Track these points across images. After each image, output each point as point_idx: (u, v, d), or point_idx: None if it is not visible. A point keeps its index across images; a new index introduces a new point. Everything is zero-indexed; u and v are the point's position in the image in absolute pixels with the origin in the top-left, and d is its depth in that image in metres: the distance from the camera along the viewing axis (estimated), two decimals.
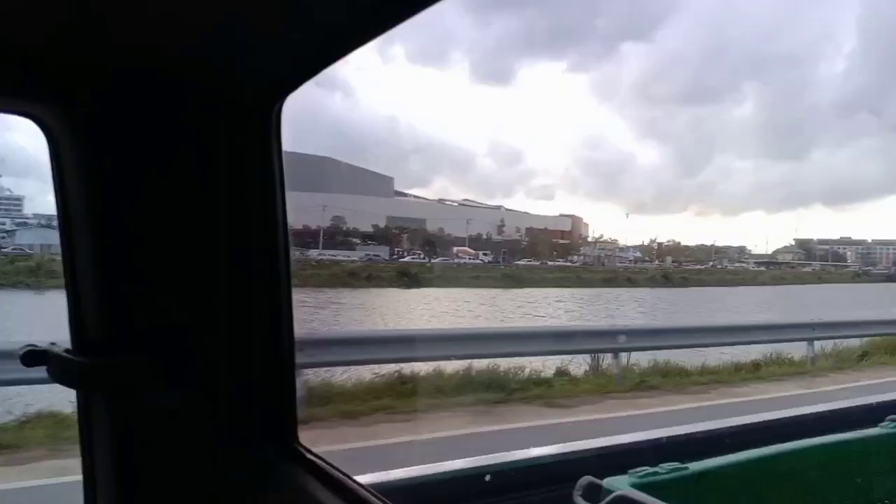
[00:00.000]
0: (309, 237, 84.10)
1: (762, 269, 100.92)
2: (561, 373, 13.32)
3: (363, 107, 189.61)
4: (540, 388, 11.64)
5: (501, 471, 1.65)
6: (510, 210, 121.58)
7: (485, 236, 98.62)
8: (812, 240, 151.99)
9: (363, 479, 1.26)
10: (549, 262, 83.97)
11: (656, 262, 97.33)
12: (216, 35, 0.88)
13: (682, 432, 1.97)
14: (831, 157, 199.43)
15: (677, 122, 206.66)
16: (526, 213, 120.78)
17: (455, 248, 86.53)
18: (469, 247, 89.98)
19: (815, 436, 1.80)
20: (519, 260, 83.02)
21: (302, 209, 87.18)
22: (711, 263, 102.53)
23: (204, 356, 1.02)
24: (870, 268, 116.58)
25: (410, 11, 0.82)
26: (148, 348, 1.01)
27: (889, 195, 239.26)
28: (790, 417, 2.26)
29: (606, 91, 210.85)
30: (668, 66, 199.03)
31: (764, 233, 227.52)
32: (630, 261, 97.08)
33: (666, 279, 68.74)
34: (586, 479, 1.36)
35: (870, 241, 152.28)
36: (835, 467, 1.76)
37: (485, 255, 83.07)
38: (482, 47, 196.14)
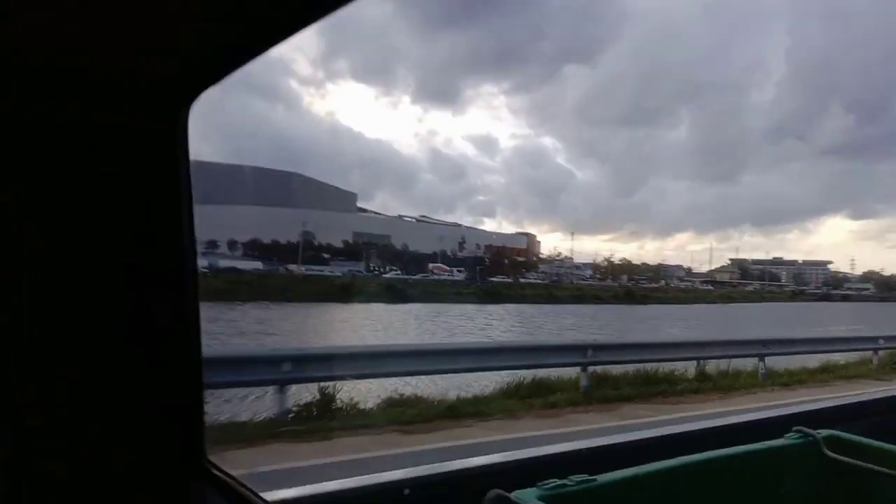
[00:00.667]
0: (287, 252, 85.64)
1: (710, 287, 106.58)
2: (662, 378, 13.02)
3: (306, 120, 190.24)
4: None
5: (418, 484, 1.67)
6: (469, 227, 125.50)
7: (448, 252, 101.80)
8: (747, 260, 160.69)
9: (275, 495, 1.34)
10: (521, 279, 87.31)
11: (609, 279, 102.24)
12: (117, 33, 0.84)
13: (594, 444, 2.03)
14: (760, 181, 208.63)
15: (615, 144, 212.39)
16: (483, 230, 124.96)
17: (431, 265, 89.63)
18: (436, 262, 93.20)
19: (724, 447, 1.90)
20: (492, 276, 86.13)
21: (273, 224, 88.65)
22: (663, 282, 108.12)
23: (106, 376, 0.97)
24: (804, 287, 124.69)
25: (316, 16, 0.79)
26: (47, 370, 0.95)
27: (814, 217, 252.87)
28: (701, 429, 2.33)
29: (548, 112, 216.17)
30: (607, 88, 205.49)
31: (691, 251, 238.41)
32: (586, 278, 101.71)
33: (629, 296, 73.08)
34: (494, 492, 1.38)
35: (800, 261, 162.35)
36: (742, 477, 1.88)
37: (459, 271, 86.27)
38: (428, 65, 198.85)
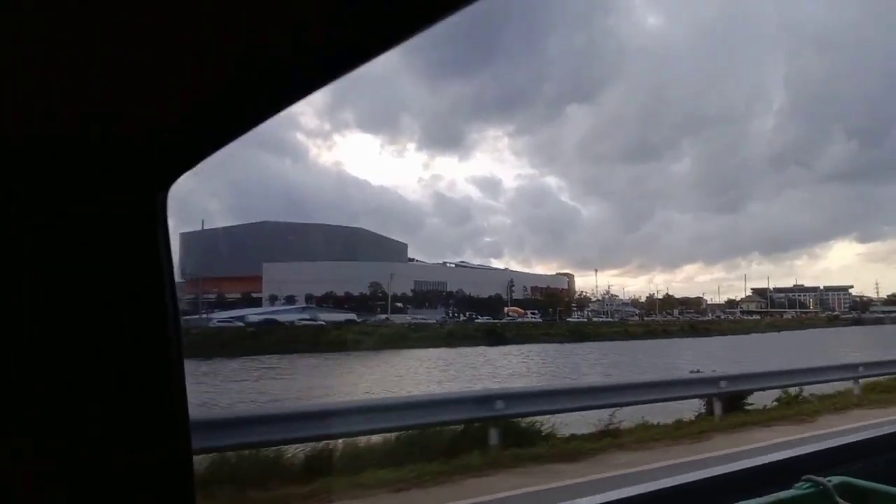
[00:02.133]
0: (360, 302, 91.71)
1: (757, 317, 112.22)
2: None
3: (313, 171, 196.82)
4: None
5: None
6: (514, 271, 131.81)
7: (504, 295, 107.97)
8: (769, 289, 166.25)
9: None
10: (594, 319, 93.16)
11: (654, 313, 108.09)
12: (87, 119, 0.82)
13: (587, 502, 1.92)
14: (766, 209, 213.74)
15: (619, 179, 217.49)
16: (527, 272, 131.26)
17: (506, 309, 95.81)
18: (509, 305, 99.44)
19: (727, 499, 1.73)
20: (567, 317, 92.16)
21: (341, 277, 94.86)
22: (709, 314, 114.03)
23: (91, 445, 0.94)
24: (836, 312, 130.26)
25: (306, 91, 0.78)
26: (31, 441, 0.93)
27: (821, 242, 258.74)
28: (703, 479, 2.15)
29: (551, 152, 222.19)
30: (609, 126, 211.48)
31: (700, 283, 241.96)
32: (635, 314, 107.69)
33: (694, 329, 79.30)
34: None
35: (822, 287, 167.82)
36: None
37: (532, 314, 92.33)
38: (433, 113, 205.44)
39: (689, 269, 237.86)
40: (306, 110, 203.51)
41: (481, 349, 53.96)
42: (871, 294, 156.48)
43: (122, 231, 0.97)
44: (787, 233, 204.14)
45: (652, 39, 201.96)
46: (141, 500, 0.96)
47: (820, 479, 1.83)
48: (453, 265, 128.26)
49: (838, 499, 1.77)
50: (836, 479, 1.83)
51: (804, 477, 1.85)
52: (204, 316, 70.15)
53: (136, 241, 0.98)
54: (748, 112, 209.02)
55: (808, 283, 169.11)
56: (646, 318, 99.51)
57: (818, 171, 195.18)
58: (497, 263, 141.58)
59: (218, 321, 65.86)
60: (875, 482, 1.80)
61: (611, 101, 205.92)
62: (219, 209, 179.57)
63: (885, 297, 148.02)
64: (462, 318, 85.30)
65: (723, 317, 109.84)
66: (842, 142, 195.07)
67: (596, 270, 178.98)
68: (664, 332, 75.36)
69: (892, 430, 2.82)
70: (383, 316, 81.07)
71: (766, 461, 2.31)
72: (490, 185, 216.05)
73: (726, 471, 2.21)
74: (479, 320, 79.28)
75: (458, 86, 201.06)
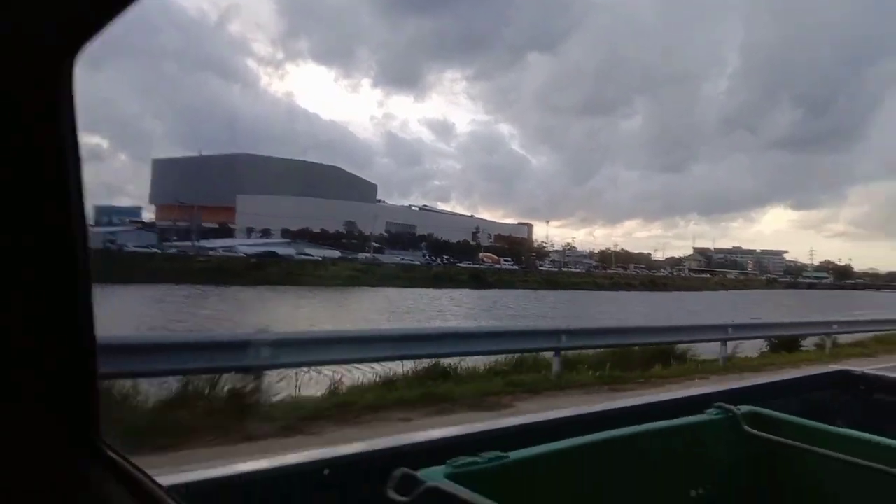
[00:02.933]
0: (336, 240, 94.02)
1: (705, 276, 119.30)
2: None
3: (263, 100, 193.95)
4: None
5: (335, 464, 1.59)
6: (479, 217, 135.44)
7: (472, 242, 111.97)
8: (709, 249, 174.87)
9: (175, 479, 1.30)
10: (564, 269, 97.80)
11: (610, 268, 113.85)
12: None
13: (510, 424, 1.89)
14: (709, 171, 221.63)
15: (572, 132, 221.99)
16: (491, 220, 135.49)
17: (481, 255, 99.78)
18: (487, 253, 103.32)
19: (646, 422, 1.80)
20: (539, 266, 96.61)
21: (316, 214, 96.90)
22: (662, 271, 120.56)
23: None
24: (774, 276, 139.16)
25: None
26: None
27: (758, 207, 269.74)
28: (623, 408, 2.22)
29: (507, 99, 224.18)
30: (568, 77, 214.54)
31: (637, 238, 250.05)
32: (593, 266, 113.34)
33: (653, 284, 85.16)
34: (400, 471, 1.29)
35: (759, 251, 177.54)
36: (661, 451, 1.80)
37: (506, 261, 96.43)
38: (392, 49, 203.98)
39: (629, 224, 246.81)
40: (259, 36, 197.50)
41: (466, 292, 57.18)
42: (804, 259, 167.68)
43: (20, 102, 0.85)
44: (726, 195, 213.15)
45: None
46: (40, 421, 0.92)
47: (730, 406, 1.97)
48: (417, 208, 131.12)
49: (745, 425, 1.92)
50: (744, 408, 1.98)
51: (715, 404, 1.99)
52: (196, 244, 71.80)
53: (36, 115, 0.87)
54: (703, 74, 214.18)
55: (745, 246, 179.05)
56: (604, 271, 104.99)
57: (763, 137, 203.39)
58: (444, 206, 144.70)
59: (223, 250, 67.69)
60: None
61: (571, 52, 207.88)
62: (163, 132, 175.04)
63: (818, 263, 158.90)
64: (440, 261, 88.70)
65: (675, 273, 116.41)
66: (788, 110, 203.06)
67: (548, 221, 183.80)
68: (628, 285, 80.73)
69: (796, 376, 3.05)
70: (366, 254, 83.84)
71: (687, 394, 2.43)
72: (443, 129, 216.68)
73: (649, 400, 2.31)
74: (461, 265, 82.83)
75: (419, 23, 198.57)
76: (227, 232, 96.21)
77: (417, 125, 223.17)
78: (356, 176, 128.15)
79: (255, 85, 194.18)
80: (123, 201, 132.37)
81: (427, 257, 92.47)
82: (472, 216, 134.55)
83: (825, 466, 1.79)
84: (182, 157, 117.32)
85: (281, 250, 73.37)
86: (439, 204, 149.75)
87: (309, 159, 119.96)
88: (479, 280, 67.01)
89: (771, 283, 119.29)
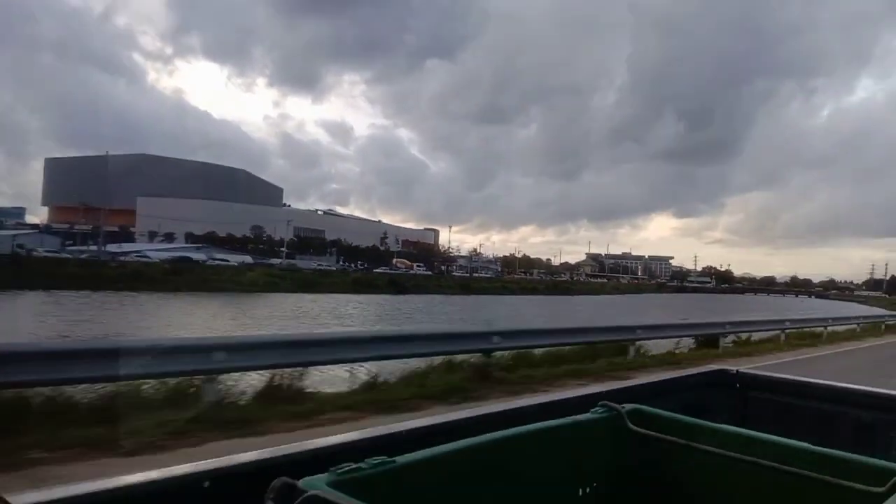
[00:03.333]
0: (242, 244, 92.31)
1: (602, 280, 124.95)
2: None
3: (151, 96, 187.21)
4: None
5: (196, 480, 1.37)
6: (384, 223, 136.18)
7: (381, 247, 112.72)
8: (601, 254, 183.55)
9: (25, 498, 1.19)
10: (474, 274, 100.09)
11: (518, 273, 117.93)
12: None
13: (395, 429, 1.88)
14: (598, 179, 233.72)
15: (469, 138, 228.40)
16: (397, 226, 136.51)
17: (395, 260, 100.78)
18: (401, 258, 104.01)
19: (531, 422, 1.82)
20: (449, 272, 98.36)
21: (220, 218, 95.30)
22: (564, 275, 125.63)
23: None
24: (664, 280, 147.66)
25: None
26: None
27: (643, 214, 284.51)
28: (511, 409, 2.21)
29: (406, 104, 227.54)
30: (466, 85, 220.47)
31: (532, 244, 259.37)
32: (498, 271, 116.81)
33: (557, 287, 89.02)
34: (280, 480, 1.28)
35: (647, 257, 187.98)
36: (547, 451, 1.82)
37: (418, 266, 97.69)
38: (288, 48, 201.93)
39: (524, 230, 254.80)
40: (147, 29, 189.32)
41: (387, 297, 57.91)
42: (689, 265, 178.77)
43: None
44: (614, 203, 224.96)
45: (515, 6, 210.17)
46: None
47: (614, 405, 2.02)
48: (321, 212, 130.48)
49: (629, 423, 1.97)
50: (629, 406, 2.03)
51: (600, 403, 2.03)
52: (103, 249, 69.05)
53: None
54: (593, 86, 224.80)
55: (634, 252, 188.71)
56: (510, 276, 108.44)
57: (648, 147, 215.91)
58: (342, 210, 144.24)
59: (135, 255, 65.54)
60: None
61: (470, 61, 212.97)
62: (40, 127, 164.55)
63: (701, 269, 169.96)
64: (354, 266, 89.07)
65: (574, 278, 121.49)
66: (672, 123, 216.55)
67: (450, 227, 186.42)
68: (534, 289, 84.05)
69: (677, 376, 3.11)
70: (279, 260, 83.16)
71: (574, 394, 2.49)
72: (341, 131, 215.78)
73: (539, 401, 2.35)
74: (377, 270, 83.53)
75: (316, 23, 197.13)
76: (127, 236, 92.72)
77: (314, 127, 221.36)
78: (261, 179, 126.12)
79: (142, 80, 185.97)
80: None
81: (342, 263, 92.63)
82: (378, 221, 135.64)
83: (705, 461, 1.87)
84: (79, 157, 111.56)
85: (193, 255, 71.73)
86: (338, 208, 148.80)
87: (203, 159, 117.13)
88: (396, 285, 68.04)
89: (661, 287, 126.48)
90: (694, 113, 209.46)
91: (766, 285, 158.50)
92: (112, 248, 71.87)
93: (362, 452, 1.42)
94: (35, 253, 59.75)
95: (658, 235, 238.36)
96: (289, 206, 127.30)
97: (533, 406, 2.28)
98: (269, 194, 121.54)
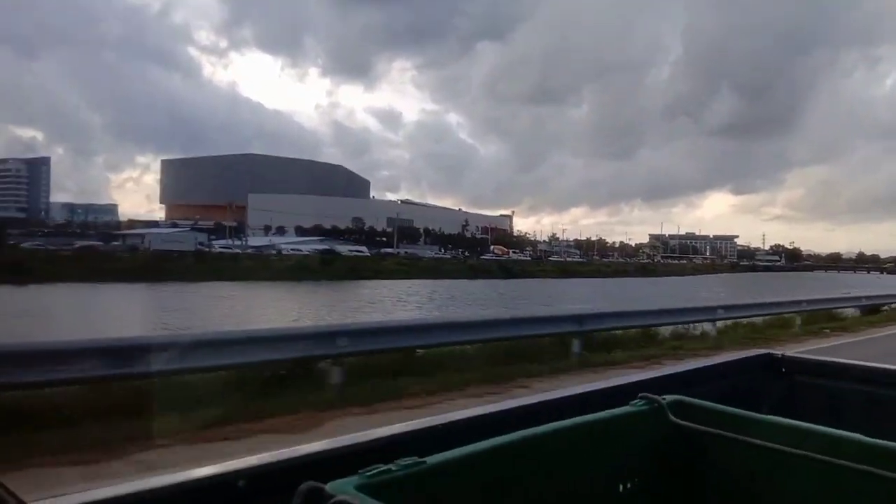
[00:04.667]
0: (346, 235, 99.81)
1: (682, 261, 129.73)
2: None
3: (206, 90, 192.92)
4: None
5: (230, 480, 1.34)
6: (462, 210, 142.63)
7: (468, 234, 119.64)
8: (664, 235, 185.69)
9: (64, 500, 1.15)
10: (568, 259, 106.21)
11: (594, 255, 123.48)
12: None
13: (426, 425, 1.80)
14: (653, 157, 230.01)
15: (520, 120, 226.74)
16: (475, 213, 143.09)
17: (492, 247, 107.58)
18: (497, 245, 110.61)
19: (564, 419, 1.72)
20: (547, 258, 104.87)
21: (322, 211, 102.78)
22: (645, 257, 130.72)
23: None
24: (735, 260, 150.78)
25: None
26: None
27: (699, 192, 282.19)
28: (543, 401, 2.11)
29: (456, 88, 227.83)
30: (517, 66, 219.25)
31: (582, 226, 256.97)
32: (577, 255, 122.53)
33: (645, 270, 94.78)
34: (307, 484, 1.24)
35: (711, 236, 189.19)
36: (585, 447, 1.74)
37: (514, 252, 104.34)
38: (340, 37, 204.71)
39: (575, 212, 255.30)
40: (201, 23, 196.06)
41: (508, 281, 63.85)
42: (751, 243, 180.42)
43: None
44: (669, 181, 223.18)
45: None
46: None
47: (655, 396, 1.94)
48: (400, 202, 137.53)
49: (671, 415, 1.89)
50: (669, 398, 1.95)
51: (640, 395, 1.94)
52: (246, 243, 77.40)
53: None
54: (647, 62, 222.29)
55: (689, 230, 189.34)
56: (599, 259, 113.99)
57: (704, 123, 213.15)
58: (392, 196, 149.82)
59: (291, 248, 73.68)
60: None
61: (521, 41, 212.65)
62: (101, 123, 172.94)
63: (769, 247, 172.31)
64: (456, 253, 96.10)
65: (654, 260, 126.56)
66: (728, 97, 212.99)
67: (512, 212, 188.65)
68: (625, 271, 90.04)
69: (719, 361, 2.99)
70: (391, 249, 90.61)
71: (612, 384, 2.37)
72: (390, 118, 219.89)
73: (574, 392, 2.24)
74: (483, 257, 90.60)
75: (369, 12, 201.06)
76: (242, 230, 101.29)
77: (364, 114, 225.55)
78: (354, 173, 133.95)
79: (198, 74, 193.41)
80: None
81: (441, 250, 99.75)
82: (459, 209, 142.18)
83: (752, 454, 1.78)
84: (192, 157, 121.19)
85: (309, 247, 78.82)
86: (387, 194, 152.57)
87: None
88: (507, 271, 74.59)
89: (734, 267, 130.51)
90: (751, 86, 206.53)
91: (833, 262, 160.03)
92: (253, 241, 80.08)
93: (392, 451, 1.43)
94: (214, 250, 68.16)
95: (714, 213, 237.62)
96: (374, 197, 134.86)
97: (569, 397, 2.21)
98: (359, 187, 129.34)
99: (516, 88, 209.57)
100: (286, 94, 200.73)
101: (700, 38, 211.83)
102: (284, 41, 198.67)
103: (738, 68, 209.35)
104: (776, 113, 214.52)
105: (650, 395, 1.93)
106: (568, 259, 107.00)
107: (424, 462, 1.37)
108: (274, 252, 69.87)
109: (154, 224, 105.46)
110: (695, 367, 2.84)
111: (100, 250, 62.04)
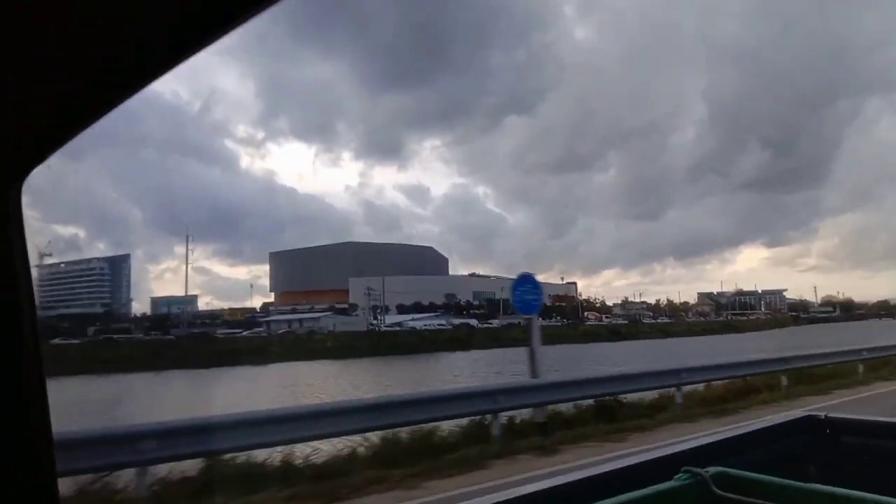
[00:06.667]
0: (487, 310, 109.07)
1: (751, 317, 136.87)
2: None
3: (243, 179, 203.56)
4: None
5: None
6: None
7: (548, 303, 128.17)
8: (712, 293, 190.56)
9: None
10: (655, 321, 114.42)
11: (664, 317, 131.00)
12: None
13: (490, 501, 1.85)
14: (682, 216, 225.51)
15: (547, 188, 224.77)
16: (545, 282, 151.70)
17: (587, 314, 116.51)
18: (590, 311, 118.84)
19: (609, 496, 1.73)
20: (641, 321, 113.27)
21: (418, 289, 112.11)
22: (727, 314, 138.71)
23: None
24: (797, 313, 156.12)
25: (151, 77, 0.73)
26: None
27: (731, 247, 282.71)
28: (586, 478, 2.11)
29: (483, 161, 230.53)
30: (543, 137, 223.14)
31: (615, 287, 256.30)
32: (650, 316, 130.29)
33: (728, 327, 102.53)
34: None
35: (759, 291, 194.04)
36: None
37: (606, 317, 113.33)
38: (372, 122, 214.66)
39: (606, 274, 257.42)
40: (238, 117, 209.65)
41: (617, 343, 72.02)
42: (795, 296, 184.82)
43: None
44: (700, 238, 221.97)
45: (587, 55, 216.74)
46: None
47: (698, 469, 1.91)
48: (468, 275, 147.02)
49: (714, 488, 1.84)
50: (713, 470, 1.91)
51: (683, 469, 1.92)
52: (383, 322, 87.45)
53: None
54: (670, 124, 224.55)
55: (725, 288, 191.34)
56: (686, 319, 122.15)
57: (733, 179, 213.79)
58: (480, 271, 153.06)
59: (424, 325, 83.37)
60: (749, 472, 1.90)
61: (546, 113, 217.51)
62: (141, 219, 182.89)
63: (821, 299, 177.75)
64: (555, 321, 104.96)
65: (729, 318, 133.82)
66: (755, 152, 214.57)
67: (562, 278, 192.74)
68: (712, 329, 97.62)
69: (763, 426, 2.94)
70: (499, 320, 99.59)
71: (652, 457, 2.37)
72: (418, 193, 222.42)
73: (614, 467, 2.25)
74: (589, 322, 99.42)
75: (398, 97, 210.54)
76: (345, 310, 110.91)
77: (392, 191, 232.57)
78: (439, 253, 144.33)
79: (236, 166, 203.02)
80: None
81: (550, 318, 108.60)
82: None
83: None
84: (296, 249, 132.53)
85: (431, 322, 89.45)
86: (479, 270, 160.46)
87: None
88: (616, 334, 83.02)
89: (797, 320, 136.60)
90: (778, 140, 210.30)
91: (884, 309, 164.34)
92: (388, 319, 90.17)
93: None
94: (379, 328, 78.32)
95: (747, 267, 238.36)
96: (448, 274, 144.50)
97: (612, 472, 2.19)
98: (442, 264, 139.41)
99: (543, 157, 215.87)
100: (319, 178, 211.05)
101: (722, 97, 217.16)
102: (317, 128, 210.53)
103: (763, 123, 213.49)
104: (805, 163, 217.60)
105: (693, 469, 2.00)
106: (647, 321, 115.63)
107: None
108: (408, 328, 79.76)
109: (264, 312, 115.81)
110: (737, 433, 2.85)
111: (248, 336, 72.05)
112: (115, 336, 76.55)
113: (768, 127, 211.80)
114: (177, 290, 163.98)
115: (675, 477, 1.95)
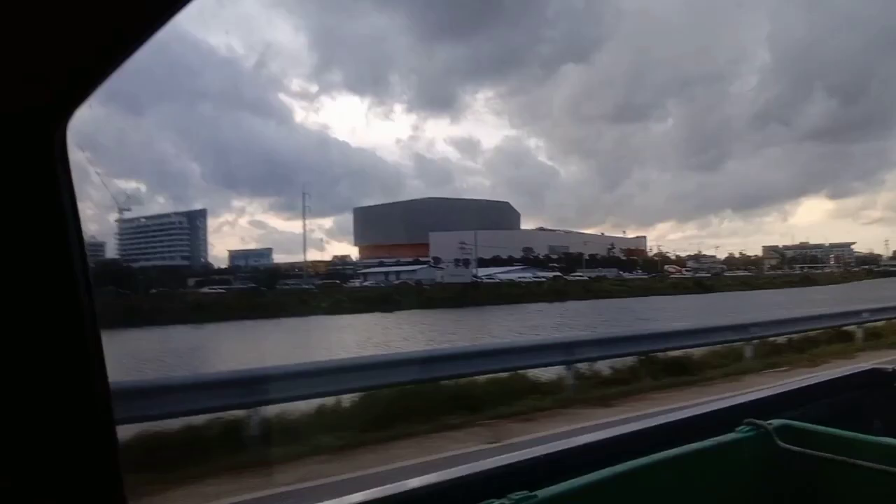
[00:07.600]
0: (568, 262, 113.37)
1: (829, 270, 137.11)
2: None
3: (298, 133, 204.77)
4: None
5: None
6: (605, 235, 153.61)
7: (610, 255, 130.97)
8: (778, 247, 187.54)
9: None
10: (728, 273, 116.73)
11: (744, 269, 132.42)
12: None
13: (534, 455, 1.82)
14: (743, 167, 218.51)
15: (603, 139, 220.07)
16: (614, 236, 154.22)
17: (666, 267, 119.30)
18: (670, 265, 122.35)
19: (669, 447, 1.73)
20: (721, 273, 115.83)
21: (495, 243, 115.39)
22: (796, 267, 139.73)
23: None
24: (868, 266, 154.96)
25: (180, 4, 0.71)
26: None
27: (792, 199, 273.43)
28: (646, 428, 2.11)
29: (538, 112, 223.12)
30: (600, 86, 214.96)
31: (671, 240, 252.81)
32: (724, 270, 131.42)
33: (806, 280, 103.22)
34: None
35: (827, 244, 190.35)
36: (693, 476, 1.74)
37: (687, 270, 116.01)
38: (425, 73, 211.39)
39: (661, 227, 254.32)
40: (292, 71, 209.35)
41: (708, 295, 73.23)
42: (864, 249, 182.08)
43: (12, 172, 0.88)
44: (760, 190, 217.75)
45: (646, 0, 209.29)
46: (60, 486, 0.89)
47: (761, 422, 1.89)
48: (537, 230, 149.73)
49: (778, 441, 1.84)
50: (776, 422, 1.91)
51: (745, 421, 1.91)
52: (476, 274, 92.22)
53: (30, 184, 0.89)
54: (732, 71, 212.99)
55: (805, 240, 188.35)
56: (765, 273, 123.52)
57: (797, 129, 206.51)
58: (547, 226, 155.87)
59: (519, 277, 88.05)
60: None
61: (603, 62, 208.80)
62: (200, 173, 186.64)
63: (892, 252, 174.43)
64: (635, 274, 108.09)
65: (804, 270, 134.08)
66: (821, 100, 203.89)
67: (624, 231, 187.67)
68: (792, 282, 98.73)
69: (829, 377, 2.88)
70: (580, 273, 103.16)
71: (713, 408, 2.34)
72: (469, 146, 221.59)
73: (674, 418, 2.24)
74: (673, 275, 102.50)
75: (453, 47, 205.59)
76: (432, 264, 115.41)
77: (443, 145, 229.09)
78: (513, 207, 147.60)
79: (290, 120, 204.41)
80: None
81: (620, 272, 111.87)
82: (601, 234, 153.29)
83: (865, 479, 1.72)
84: (378, 205, 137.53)
85: (517, 275, 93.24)
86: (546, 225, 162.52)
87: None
88: (703, 286, 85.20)
89: (870, 274, 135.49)
90: (845, 87, 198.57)
91: None
92: (482, 271, 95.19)
93: (505, 483, 1.50)
94: (480, 279, 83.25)
95: (808, 220, 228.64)
96: (521, 228, 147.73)
97: (672, 423, 2.18)
98: (514, 219, 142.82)
99: (599, 108, 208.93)
100: (372, 132, 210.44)
101: (786, 43, 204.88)
102: (370, 81, 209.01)
103: (830, 70, 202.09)
104: (874, 112, 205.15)
105: (756, 421, 1.97)
106: (726, 274, 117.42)
107: (535, 496, 1.45)
108: (506, 280, 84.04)
109: (347, 263, 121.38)
110: (798, 386, 2.81)
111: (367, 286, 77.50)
112: (217, 287, 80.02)
113: (835, 74, 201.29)
114: (234, 244, 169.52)
115: (737, 429, 1.97)
